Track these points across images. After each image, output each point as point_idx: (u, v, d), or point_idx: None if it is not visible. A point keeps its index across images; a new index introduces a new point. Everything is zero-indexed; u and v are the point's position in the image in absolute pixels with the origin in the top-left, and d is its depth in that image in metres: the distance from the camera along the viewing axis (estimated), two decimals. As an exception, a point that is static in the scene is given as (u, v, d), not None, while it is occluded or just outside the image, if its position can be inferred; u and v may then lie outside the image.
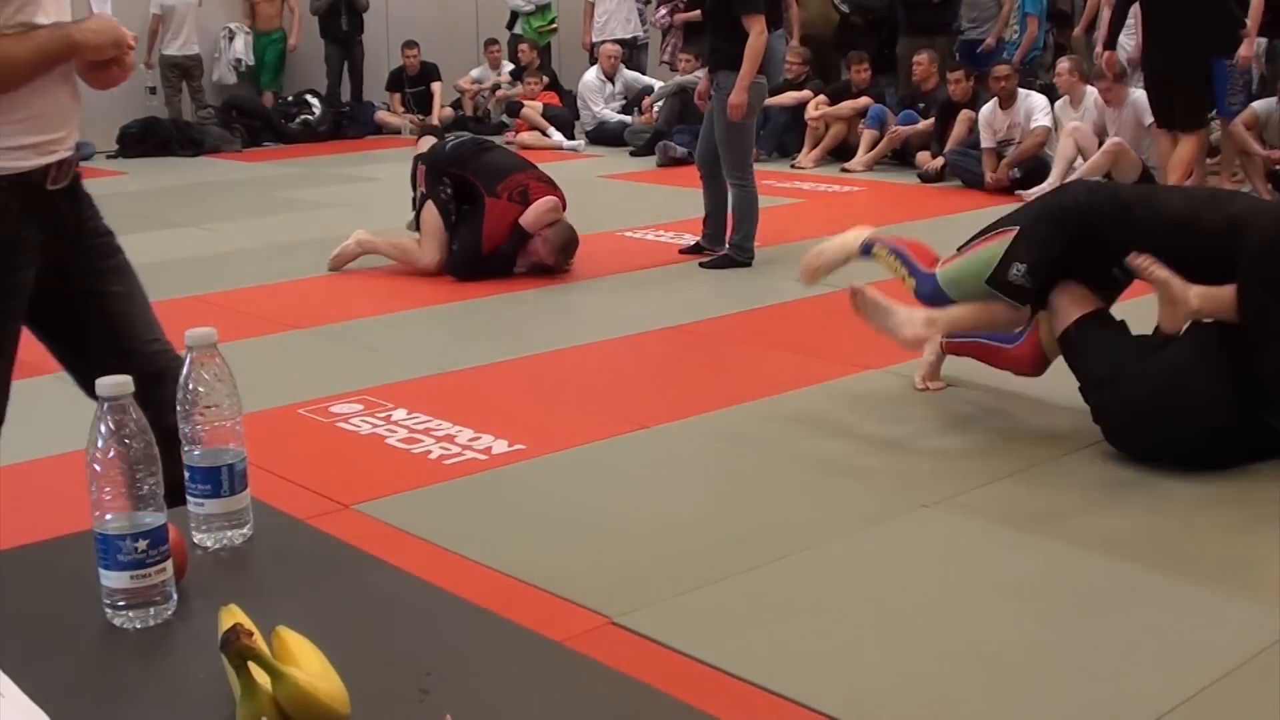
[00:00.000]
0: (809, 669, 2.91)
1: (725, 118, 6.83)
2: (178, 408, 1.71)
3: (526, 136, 12.80)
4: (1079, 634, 3.08)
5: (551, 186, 6.98)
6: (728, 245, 7.13)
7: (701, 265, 7.14)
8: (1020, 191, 9.30)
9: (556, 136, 12.85)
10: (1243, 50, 9.07)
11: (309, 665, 1.36)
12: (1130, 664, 2.93)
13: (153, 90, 13.49)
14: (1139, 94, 9.17)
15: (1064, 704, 2.78)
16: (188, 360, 1.71)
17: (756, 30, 6.69)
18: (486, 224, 6.80)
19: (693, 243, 7.43)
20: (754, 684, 2.84)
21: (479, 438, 4.39)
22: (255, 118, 13.85)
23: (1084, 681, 2.86)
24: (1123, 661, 2.95)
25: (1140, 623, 3.13)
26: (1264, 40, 10.36)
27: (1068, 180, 4.38)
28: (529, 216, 6.81)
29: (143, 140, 12.97)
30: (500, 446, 4.33)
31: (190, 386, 1.70)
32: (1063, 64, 9.91)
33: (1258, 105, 8.66)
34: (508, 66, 14.49)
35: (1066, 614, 3.19)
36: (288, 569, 1.75)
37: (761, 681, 2.85)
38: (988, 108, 9.82)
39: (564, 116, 13.39)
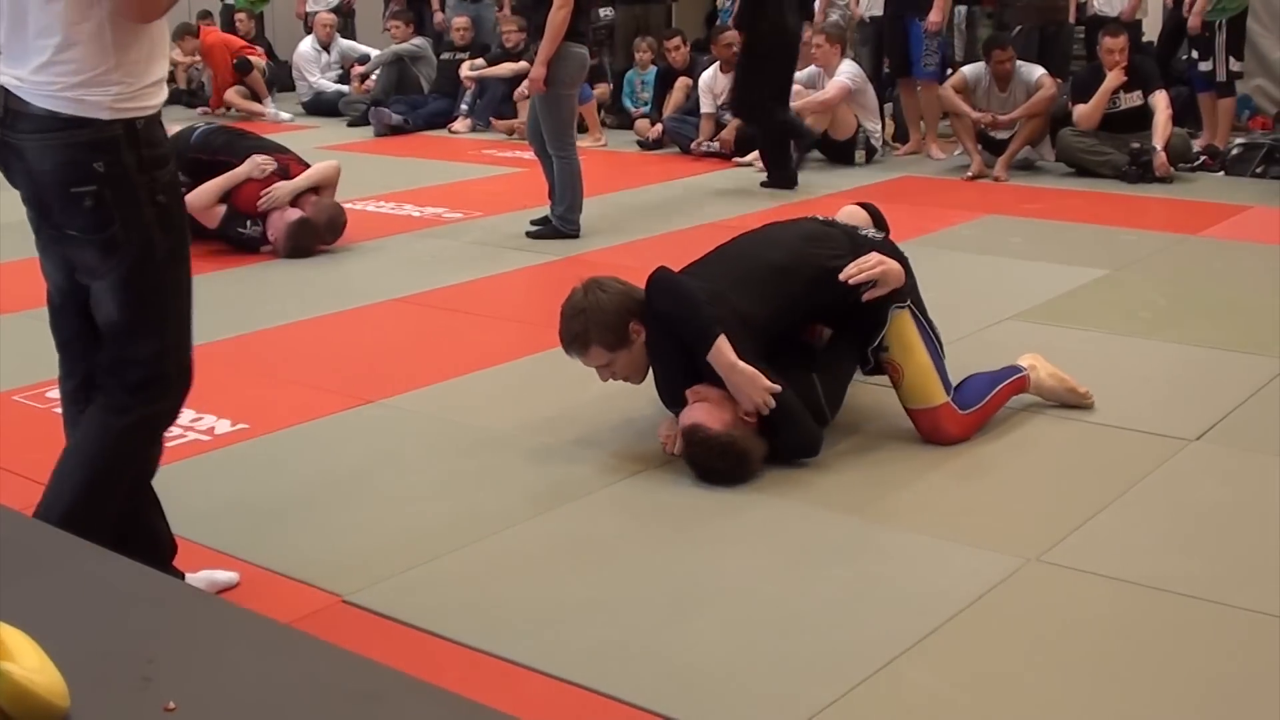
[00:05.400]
0: (540, 633, 2.96)
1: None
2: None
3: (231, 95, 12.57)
4: (806, 585, 3.18)
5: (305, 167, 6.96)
6: (552, 216, 7.10)
7: (528, 234, 7.08)
8: (737, 158, 9.52)
9: (265, 107, 12.63)
10: (932, 15, 9.46)
11: (25, 659, 1.33)
12: (858, 612, 3.04)
13: None
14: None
15: (794, 652, 2.86)
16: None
17: (559, 3, 6.66)
18: (245, 188, 6.69)
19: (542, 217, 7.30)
20: (487, 652, 2.87)
21: (201, 418, 4.29)
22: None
23: (812, 629, 2.95)
24: (850, 610, 3.05)
25: (866, 572, 3.26)
26: (963, 9, 10.81)
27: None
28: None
29: None
30: (223, 426, 4.24)
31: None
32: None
33: (967, 70, 9.04)
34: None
35: (794, 567, 3.29)
36: (-1, 562, 1.70)
37: (493, 649, 2.88)
38: (708, 73, 10.03)
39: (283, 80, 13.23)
